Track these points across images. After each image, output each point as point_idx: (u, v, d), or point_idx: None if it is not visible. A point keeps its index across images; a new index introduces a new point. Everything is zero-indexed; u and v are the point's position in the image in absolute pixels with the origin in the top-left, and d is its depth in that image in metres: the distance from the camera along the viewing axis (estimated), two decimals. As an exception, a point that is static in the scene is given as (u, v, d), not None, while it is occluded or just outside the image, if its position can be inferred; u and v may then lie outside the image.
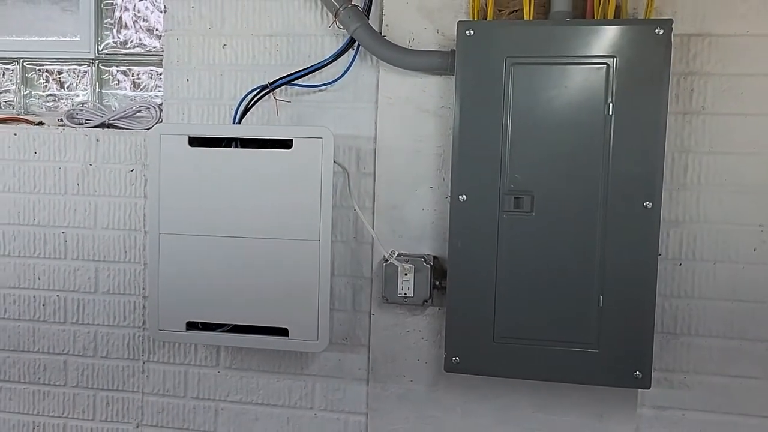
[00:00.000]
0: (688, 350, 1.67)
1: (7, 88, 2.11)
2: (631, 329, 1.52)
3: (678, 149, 1.63)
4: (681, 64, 1.61)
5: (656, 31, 1.45)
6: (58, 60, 2.08)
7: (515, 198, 1.54)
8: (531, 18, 1.56)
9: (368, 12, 1.70)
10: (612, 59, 1.47)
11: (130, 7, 2.02)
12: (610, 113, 1.48)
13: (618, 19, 1.55)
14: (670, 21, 1.45)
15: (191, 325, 1.72)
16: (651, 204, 1.48)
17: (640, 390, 1.64)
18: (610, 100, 1.48)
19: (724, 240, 1.63)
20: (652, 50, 1.46)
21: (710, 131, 1.62)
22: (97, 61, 2.05)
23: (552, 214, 1.53)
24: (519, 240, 1.55)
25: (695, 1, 1.60)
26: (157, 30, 2.02)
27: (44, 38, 2.08)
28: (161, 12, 1.90)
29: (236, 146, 1.67)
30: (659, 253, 1.59)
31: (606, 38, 1.47)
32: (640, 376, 1.52)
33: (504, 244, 1.55)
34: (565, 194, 1.52)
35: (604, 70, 1.48)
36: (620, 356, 1.53)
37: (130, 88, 2.06)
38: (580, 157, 1.50)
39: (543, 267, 1.54)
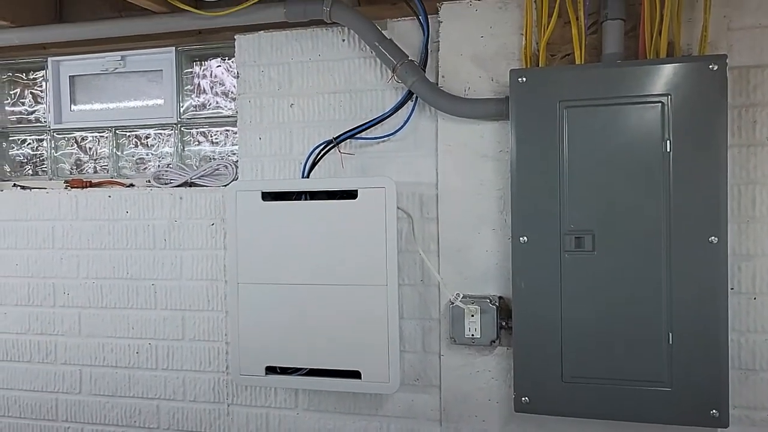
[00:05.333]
0: (770, 387, 1.62)
1: (102, 154, 2.33)
2: (704, 366, 1.49)
3: (744, 182, 1.60)
4: (741, 97, 1.59)
5: (710, 67, 1.46)
6: (145, 126, 2.27)
7: (576, 237, 1.55)
8: (582, 61, 1.59)
9: (424, 65, 1.78)
10: (666, 97, 1.48)
11: (208, 74, 2.20)
12: (668, 150, 1.49)
13: (671, 57, 1.55)
14: (725, 56, 1.45)
15: (270, 370, 1.82)
16: (717, 239, 1.47)
17: (719, 429, 1.59)
18: (666, 137, 1.49)
19: (800, 272, 1.58)
20: (707, 86, 1.46)
21: (777, 162, 1.59)
22: (179, 125, 2.23)
23: (614, 253, 1.53)
24: (582, 279, 1.56)
25: (751, 33, 1.59)
26: (231, 93, 2.18)
27: (133, 106, 2.28)
28: (235, 77, 2.05)
29: (306, 198, 1.78)
30: (731, 287, 1.56)
31: (659, 77, 1.49)
32: (717, 414, 1.49)
33: (568, 284, 1.57)
34: (627, 232, 1.52)
35: (659, 108, 1.49)
36: (695, 394, 1.50)
37: (209, 146, 2.22)
38: (640, 195, 1.51)
39: (608, 305, 1.54)
